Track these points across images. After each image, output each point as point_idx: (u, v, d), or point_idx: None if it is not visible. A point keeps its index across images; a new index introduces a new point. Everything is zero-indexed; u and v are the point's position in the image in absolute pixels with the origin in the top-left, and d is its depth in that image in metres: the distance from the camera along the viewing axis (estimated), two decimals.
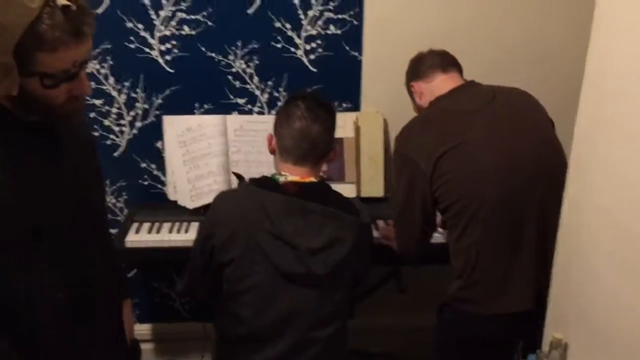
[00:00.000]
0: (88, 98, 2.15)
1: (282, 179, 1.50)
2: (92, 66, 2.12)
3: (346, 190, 2.14)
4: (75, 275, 1.16)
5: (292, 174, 1.51)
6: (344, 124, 2.16)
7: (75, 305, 1.16)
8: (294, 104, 1.53)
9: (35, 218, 1.08)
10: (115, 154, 2.26)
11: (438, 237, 1.84)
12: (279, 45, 2.16)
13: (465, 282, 1.60)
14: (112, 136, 2.23)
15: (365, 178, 2.21)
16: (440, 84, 1.71)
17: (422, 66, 1.77)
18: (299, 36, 2.16)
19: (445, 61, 1.74)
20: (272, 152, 1.58)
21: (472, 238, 1.57)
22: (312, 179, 1.52)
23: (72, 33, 0.97)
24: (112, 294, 1.31)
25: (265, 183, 1.50)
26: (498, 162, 1.55)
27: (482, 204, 1.55)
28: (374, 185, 2.22)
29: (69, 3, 0.96)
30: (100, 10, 2.06)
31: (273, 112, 2.24)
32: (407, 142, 1.65)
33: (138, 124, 2.23)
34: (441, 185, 1.57)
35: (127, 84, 2.17)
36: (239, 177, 1.90)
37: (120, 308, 1.38)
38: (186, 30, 2.12)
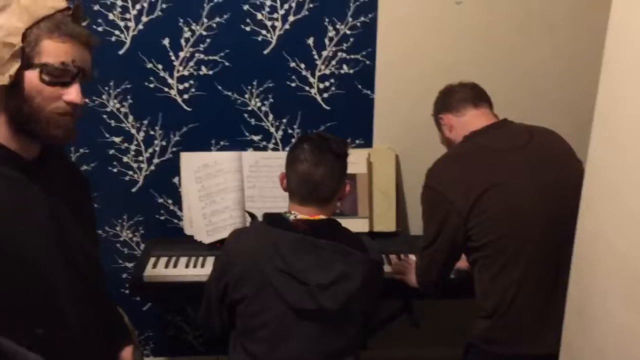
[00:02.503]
0: (107, 135, 2.22)
1: (292, 217, 1.54)
2: (113, 105, 2.19)
3: (359, 225, 2.18)
4: (53, 313, 1.16)
5: (300, 213, 1.54)
6: (357, 160, 2.21)
7: (57, 345, 1.15)
8: (300, 146, 1.57)
9: (24, 251, 1.09)
10: (133, 190, 2.31)
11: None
12: (293, 84, 2.23)
13: (496, 322, 1.58)
14: (130, 172, 2.29)
15: (378, 213, 2.25)
16: (473, 119, 1.69)
17: (452, 99, 1.75)
18: (313, 75, 2.23)
19: (477, 95, 1.73)
20: (285, 190, 1.62)
21: (511, 278, 1.54)
22: (322, 217, 1.55)
23: (79, 33, 1.08)
24: (103, 339, 1.30)
25: (277, 221, 1.54)
26: (540, 203, 1.54)
27: (524, 245, 1.53)
28: (386, 220, 2.25)
29: (83, 17, 1.12)
30: (121, 52, 2.14)
31: (287, 148, 2.28)
32: (440, 179, 1.62)
33: (156, 161, 2.29)
34: (478, 223, 1.55)
35: (145, 121, 2.24)
36: (251, 215, 1.94)
37: (115, 355, 1.38)
38: (204, 70, 2.19)
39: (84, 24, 1.13)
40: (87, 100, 2.11)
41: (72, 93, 1.09)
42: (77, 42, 1.08)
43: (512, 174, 1.57)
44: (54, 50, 1.06)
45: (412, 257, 2.09)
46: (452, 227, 1.58)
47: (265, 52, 2.18)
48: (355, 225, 2.05)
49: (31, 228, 1.12)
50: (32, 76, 1.06)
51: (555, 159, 1.63)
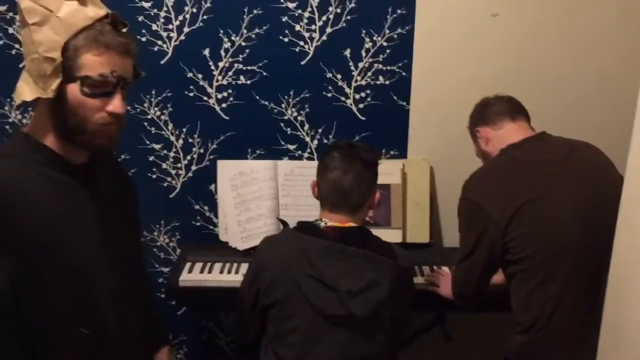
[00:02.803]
0: (147, 142, 2.28)
1: (322, 224, 1.56)
2: (153, 112, 2.26)
3: (392, 235, 2.18)
4: (96, 315, 1.19)
5: (330, 220, 1.57)
6: (391, 171, 2.22)
7: (97, 346, 1.19)
8: (330, 155, 1.61)
9: (72, 255, 1.14)
10: (171, 196, 2.37)
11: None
12: (329, 95, 2.26)
13: (533, 337, 1.56)
14: (169, 178, 2.35)
15: (411, 224, 2.25)
16: (510, 132, 1.69)
17: (489, 112, 1.75)
18: (349, 86, 2.25)
19: (514, 109, 1.73)
20: (317, 198, 1.65)
21: (549, 293, 1.53)
22: (352, 224, 1.57)
23: (117, 43, 1.09)
24: (140, 341, 1.33)
25: (307, 228, 1.57)
26: (578, 217, 1.53)
27: (562, 259, 1.52)
28: (419, 231, 2.25)
29: (120, 25, 1.11)
30: (163, 61, 2.20)
31: None
32: (478, 191, 1.63)
33: (193, 168, 2.34)
34: (517, 236, 1.54)
35: (184, 129, 2.29)
36: (283, 222, 1.97)
37: (151, 356, 1.42)
38: (242, 79, 2.23)
39: (124, 30, 1.13)
40: (129, 107, 2.21)
41: (114, 104, 1.11)
42: (115, 52, 1.09)
43: (550, 187, 1.56)
44: (92, 63, 1.07)
45: (445, 269, 2.08)
46: (490, 239, 1.58)
47: (303, 62, 2.21)
48: (388, 235, 2.05)
49: (79, 232, 1.16)
50: (74, 89, 1.08)
51: (595, 174, 1.61)
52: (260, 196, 2.22)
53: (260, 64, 2.21)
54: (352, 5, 2.15)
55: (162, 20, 2.16)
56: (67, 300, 1.14)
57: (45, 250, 1.09)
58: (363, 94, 2.26)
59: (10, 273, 1.06)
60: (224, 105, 2.26)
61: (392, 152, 2.32)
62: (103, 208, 1.21)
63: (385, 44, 2.19)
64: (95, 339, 1.18)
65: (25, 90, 1.10)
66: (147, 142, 2.30)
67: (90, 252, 1.17)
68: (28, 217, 1.07)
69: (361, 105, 2.27)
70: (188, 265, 2.14)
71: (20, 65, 1.13)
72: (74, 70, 1.07)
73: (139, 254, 1.43)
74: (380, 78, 2.24)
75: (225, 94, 2.25)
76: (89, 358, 1.20)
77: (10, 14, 2.14)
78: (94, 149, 1.16)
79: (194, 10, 2.15)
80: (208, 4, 2.14)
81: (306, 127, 2.30)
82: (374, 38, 2.19)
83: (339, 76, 2.23)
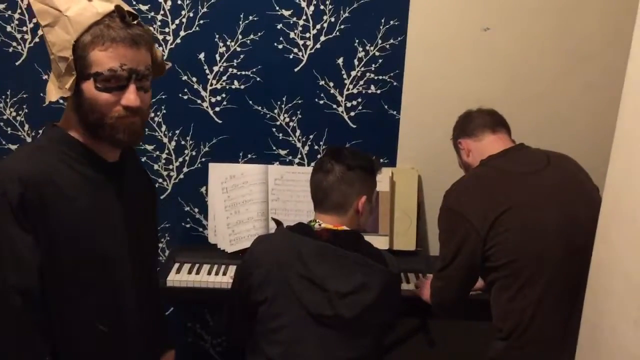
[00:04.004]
0: (140, 143, 2.30)
1: (316, 226, 1.60)
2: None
3: (379, 242, 2.21)
4: (117, 310, 1.22)
5: (324, 222, 1.61)
6: (380, 178, 2.21)
7: (114, 342, 1.21)
8: (319, 159, 1.71)
9: (99, 248, 1.17)
10: (162, 197, 2.38)
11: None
12: (321, 102, 2.29)
13: (513, 343, 1.58)
14: (160, 180, 2.37)
15: (398, 231, 2.28)
16: (490, 144, 1.74)
17: (471, 124, 1.80)
18: (341, 94, 2.29)
19: (495, 121, 1.78)
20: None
21: (530, 299, 1.56)
22: (345, 227, 1.61)
23: (123, 36, 1.09)
24: (153, 340, 1.35)
25: (301, 229, 1.60)
26: (559, 224, 1.56)
27: (542, 266, 1.55)
28: (406, 238, 2.28)
29: (128, 17, 1.11)
30: None
31: (313, 164, 2.34)
32: (460, 200, 1.66)
33: (185, 170, 2.36)
34: (497, 244, 1.57)
35: (177, 131, 2.32)
36: (277, 222, 1.99)
37: (158, 357, 1.44)
38: (236, 84, 2.26)
39: (134, 21, 1.12)
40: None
41: (127, 97, 1.11)
42: (122, 45, 1.09)
43: (530, 196, 1.59)
44: (101, 58, 1.08)
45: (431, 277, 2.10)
46: (471, 248, 1.60)
47: (296, 69, 2.25)
48: (375, 242, 2.06)
49: (107, 228, 1.18)
50: (88, 86, 1.10)
51: (572, 183, 1.66)
52: (250, 200, 2.25)
53: (254, 70, 2.25)
54: (346, 15, 2.19)
55: (159, 23, 2.19)
56: (88, 292, 1.16)
57: (71, 244, 1.11)
58: (354, 102, 2.30)
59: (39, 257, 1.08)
60: (217, 108, 2.29)
61: (381, 160, 2.34)
62: (129, 206, 1.24)
63: (377, 53, 2.24)
64: (114, 332, 1.20)
65: (52, 90, 1.13)
66: (140, 143, 2.32)
67: (114, 248, 1.20)
68: (57, 210, 1.09)
69: (352, 113, 2.31)
70: (176, 265, 2.15)
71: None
72: (86, 68, 1.09)
73: (157, 252, 1.46)
74: (372, 87, 2.28)
75: (219, 97, 2.28)
76: (106, 351, 1.21)
77: (9, 12, 2.16)
78: (116, 143, 1.17)
79: (191, 14, 2.18)
80: (205, 9, 2.18)
81: (298, 133, 2.33)
82: (367, 48, 2.23)
83: (331, 84, 2.27)
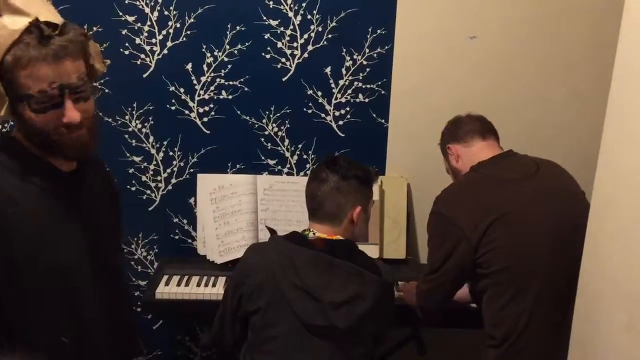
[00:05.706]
0: (128, 154, 2.29)
1: (310, 235, 1.59)
2: (134, 125, 2.27)
3: (369, 250, 2.18)
4: (80, 322, 1.19)
5: (319, 231, 1.60)
6: None
7: (81, 354, 1.19)
8: (315, 167, 1.71)
9: (58, 262, 1.13)
10: (150, 209, 2.37)
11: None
12: (309, 111, 2.29)
13: (505, 351, 1.58)
14: (148, 191, 2.35)
15: (388, 240, 2.28)
16: (480, 150, 1.74)
17: (460, 130, 1.81)
18: (329, 103, 2.29)
19: (484, 128, 1.79)
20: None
21: (522, 306, 1.56)
22: (339, 237, 1.60)
23: (45, 53, 1.01)
24: (121, 349, 1.32)
25: (295, 238, 1.59)
26: (550, 231, 1.57)
27: (535, 273, 1.55)
28: (396, 247, 2.28)
29: (47, 29, 1.02)
30: (145, 75, 2.22)
31: (302, 173, 2.34)
32: (451, 206, 1.65)
33: (173, 181, 2.35)
34: (489, 251, 1.57)
35: (165, 142, 2.30)
36: (271, 230, 1.98)
37: None
38: (224, 94, 2.26)
39: (54, 33, 1.03)
40: (109, 119, 2.22)
41: (66, 115, 1.06)
42: (45, 64, 1.01)
43: (520, 203, 1.60)
44: (27, 81, 1.02)
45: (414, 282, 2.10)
46: (461, 254, 1.60)
47: (284, 79, 2.25)
48: (366, 251, 2.05)
49: (65, 239, 1.15)
50: (24, 108, 1.05)
51: (562, 190, 1.67)
52: (240, 210, 2.23)
53: (242, 79, 2.24)
54: (333, 24, 2.19)
55: (145, 34, 2.18)
56: (51, 305, 1.14)
57: (31, 256, 1.09)
58: (343, 111, 2.30)
59: None
60: (205, 119, 2.28)
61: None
62: (90, 216, 1.21)
63: (365, 62, 2.24)
64: (77, 344, 1.18)
65: None
66: (127, 155, 2.30)
67: (75, 259, 1.17)
68: (14, 224, 1.06)
69: (341, 122, 2.31)
70: (165, 278, 2.13)
71: None
72: (17, 90, 1.03)
73: (121, 263, 1.43)
74: (360, 96, 2.28)
75: (206, 108, 2.27)
76: None
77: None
78: (68, 158, 1.14)
79: (178, 25, 2.18)
80: (192, 20, 2.17)
81: (286, 142, 2.33)
82: (354, 57, 2.23)
83: (319, 93, 2.27)
